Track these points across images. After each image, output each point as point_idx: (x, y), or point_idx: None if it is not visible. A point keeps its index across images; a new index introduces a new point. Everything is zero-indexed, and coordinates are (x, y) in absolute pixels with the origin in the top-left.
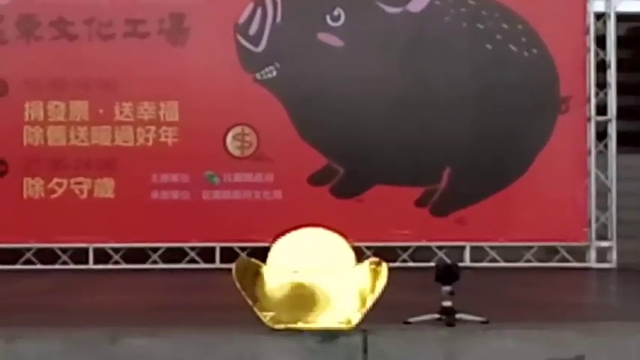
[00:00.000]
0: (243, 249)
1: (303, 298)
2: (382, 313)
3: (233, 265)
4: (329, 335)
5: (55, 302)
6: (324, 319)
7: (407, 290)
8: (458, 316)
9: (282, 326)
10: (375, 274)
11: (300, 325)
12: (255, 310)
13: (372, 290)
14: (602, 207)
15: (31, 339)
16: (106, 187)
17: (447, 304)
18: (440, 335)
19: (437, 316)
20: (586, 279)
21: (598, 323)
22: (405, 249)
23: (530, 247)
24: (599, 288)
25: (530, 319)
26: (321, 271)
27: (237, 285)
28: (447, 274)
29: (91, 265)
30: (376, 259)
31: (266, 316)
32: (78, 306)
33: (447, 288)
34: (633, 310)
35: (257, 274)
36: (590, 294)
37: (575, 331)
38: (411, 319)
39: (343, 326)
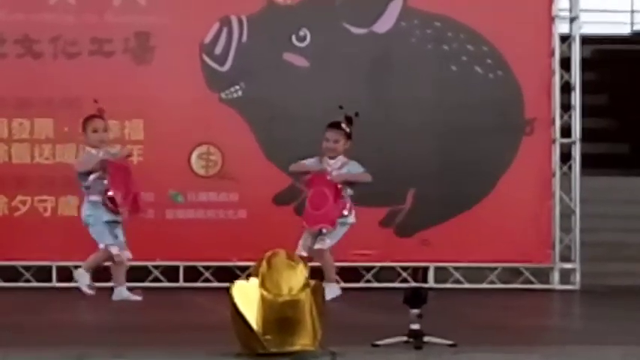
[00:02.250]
0: (206, 268)
1: (289, 321)
2: (349, 334)
3: (233, 287)
4: (298, 357)
5: (19, 321)
6: (301, 341)
7: (373, 311)
8: (426, 339)
9: (275, 350)
10: (316, 293)
11: (288, 348)
12: (257, 333)
13: (320, 309)
14: (566, 229)
15: None
16: (70, 205)
17: (416, 327)
18: (409, 358)
19: (405, 338)
20: (550, 301)
21: (565, 347)
22: (368, 269)
23: (494, 269)
24: (563, 310)
25: (497, 342)
26: (301, 293)
27: (240, 308)
28: (416, 297)
29: (54, 284)
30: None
31: (266, 340)
32: (42, 325)
33: (415, 311)
34: (598, 334)
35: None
36: (555, 316)
37: (543, 355)
38: (379, 342)
39: (311, 348)
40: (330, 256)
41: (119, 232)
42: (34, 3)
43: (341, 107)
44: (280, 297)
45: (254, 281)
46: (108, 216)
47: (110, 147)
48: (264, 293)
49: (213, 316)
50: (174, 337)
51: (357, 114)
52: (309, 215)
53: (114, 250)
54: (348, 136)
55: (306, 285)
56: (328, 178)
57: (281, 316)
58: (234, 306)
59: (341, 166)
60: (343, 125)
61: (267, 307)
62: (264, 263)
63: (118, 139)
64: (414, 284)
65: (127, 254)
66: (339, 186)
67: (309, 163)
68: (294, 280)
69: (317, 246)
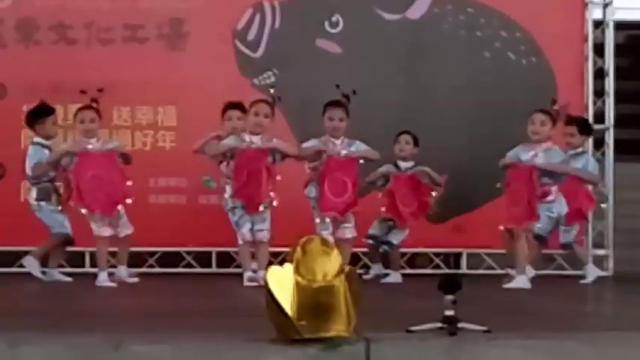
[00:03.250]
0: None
1: (323, 307)
2: (384, 320)
3: (267, 273)
4: (332, 343)
5: (55, 306)
6: (336, 327)
7: (406, 297)
8: (460, 325)
9: (309, 335)
10: (351, 279)
11: (322, 334)
12: (291, 319)
13: (354, 296)
14: (599, 215)
15: (35, 345)
16: None
17: (450, 313)
18: (443, 344)
19: (439, 324)
20: (583, 287)
21: (601, 333)
22: (402, 255)
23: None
24: (596, 296)
25: (532, 328)
26: (335, 279)
27: (275, 294)
28: (450, 283)
29: (87, 269)
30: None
31: (300, 326)
32: (78, 311)
33: (449, 297)
34: (631, 320)
35: (288, 283)
36: (588, 303)
37: (579, 341)
38: (413, 328)
39: (345, 334)
40: None
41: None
42: None
43: (337, 86)
44: (315, 283)
45: (289, 267)
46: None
47: (107, 140)
48: (299, 279)
49: (247, 302)
50: (209, 323)
51: (354, 92)
52: (328, 201)
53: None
54: (347, 113)
55: (340, 271)
56: (342, 158)
57: (315, 302)
58: (268, 292)
59: (349, 145)
60: (344, 103)
61: (302, 292)
62: (298, 249)
63: (151, 125)
64: (447, 270)
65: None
66: (356, 169)
67: (315, 144)
68: (329, 266)
69: (344, 235)
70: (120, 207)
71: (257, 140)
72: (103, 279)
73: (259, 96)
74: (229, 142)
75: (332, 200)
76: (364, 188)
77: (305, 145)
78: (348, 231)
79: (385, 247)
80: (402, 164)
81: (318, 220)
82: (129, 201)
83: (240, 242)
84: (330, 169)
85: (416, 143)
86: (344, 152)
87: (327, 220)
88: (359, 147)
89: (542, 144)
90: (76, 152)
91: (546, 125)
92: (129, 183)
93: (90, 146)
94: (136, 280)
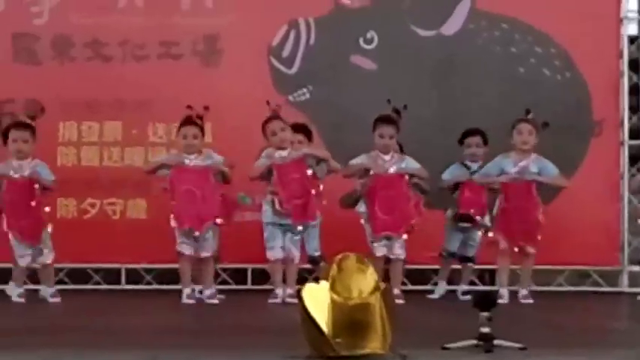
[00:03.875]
0: None
1: (359, 324)
2: (420, 337)
3: (303, 290)
4: None
5: (91, 323)
6: (372, 344)
7: (442, 314)
8: (496, 342)
9: (345, 353)
10: (386, 296)
11: (358, 351)
12: (327, 336)
13: (390, 313)
14: (635, 231)
15: None
16: (138, 208)
17: (486, 330)
18: None
19: (475, 342)
20: (619, 304)
21: (634, 350)
22: (436, 271)
23: (563, 271)
24: (632, 313)
25: (567, 345)
26: (371, 296)
27: (310, 311)
28: (486, 300)
29: (123, 286)
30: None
31: (336, 344)
32: (114, 327)
33: (485, 314)
34: None
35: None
36: (623, 319)
37: (617, 358)
38: (449, 345)
39: (381, 351)
40: None
41: None
42: (103, 6)
43: (389, 101)
44: (350, 300)
45: (324, 284)
46: None
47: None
48: (335, 296)
49: (283, 319)
50: (245, 340)
51: (405, 107)
52: (379, 221)
53: None
54: (398, 130)
55: (376, 288)
56: (391, 175)
57: (351, 320)
58: (304, 309)
59: (398, 162)
60: (395, 119)
61: (338, 310)
62: (334, 266)
63: None
64: (482, 287)
65: None
66: (407, 185)
67: (363, 160)
68: (364, 283)
69: (397, 254)
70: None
71: (286, 154)
72: (187, 295)
73: (294, 112)
74: (263, 161)
75: (383, 219)
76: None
77: (352, 161)
78: (400, 249)
79: (467, 262)
80: (472, 165)
81: (370, 240)
82: (219, 221)
83: (272, 259)
84: (379, 187)
85: (485, 143)
86: (393, 169)
87: (381, 239)
88: (409, 164)
89: (532, 154)
90: (172, 165)
91: (533, 134)
92: (46, 209)
93: (187, 160)
94: (215, 301)
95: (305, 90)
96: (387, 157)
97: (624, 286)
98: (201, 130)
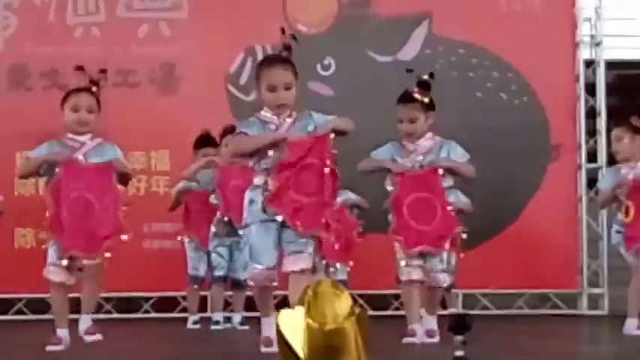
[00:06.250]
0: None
1: (335, 349)
2: None
3: (278, 316)
4: None
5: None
6: None
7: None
8: None
9: None
10: (361, 321)
11: None
12: None
13: (365, 338)
14: (594, 254)
15: None
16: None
17: (460, 353)
18: None
19: None
20: (578, 326)
21: None
22: (397, 297)
23: (522, 294)
24: (592, 336)
25: None
26: (346, 321)
27: (285, 336)
28: (461, 324)
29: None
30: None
31: None
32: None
33: (459, 338)
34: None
35: (299, 325)
36: (584, 342)
37: None
38: None
39: None
40: None
41: None
42: (60, 35)
43: (409, 70)
44: (325, 325)
45: (300, 310)
46: None
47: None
48: (310, 322)
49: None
50: None
51: (431, 75)
52: (412, 232)
53: None
54: (428, 106)
55: (351, 313)
56: (422, 171)
57: (327, 345)
58: (280, 334)
59: (430, 150)
60: (417, 96)
61: (313, 335)
62: (309, 292)
63: (145, 170)
64: (455, 311)
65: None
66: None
67: (384, 153)
68: (339, 308)
69: (437, 276)
70: None
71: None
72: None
73: None
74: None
75: (417, 230)
76: None
77: (374, 153)
78: (441, 271)
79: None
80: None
81: (400, 257)
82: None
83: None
84: (407, 190)
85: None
86: (427, 161)
87: (414, 256)
88: (451, 149)
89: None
90: (58, 160)
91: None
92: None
93: (76, 153)
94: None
95: None
96: (417, 144)
97: (584, 308)
98: (98, 102)
